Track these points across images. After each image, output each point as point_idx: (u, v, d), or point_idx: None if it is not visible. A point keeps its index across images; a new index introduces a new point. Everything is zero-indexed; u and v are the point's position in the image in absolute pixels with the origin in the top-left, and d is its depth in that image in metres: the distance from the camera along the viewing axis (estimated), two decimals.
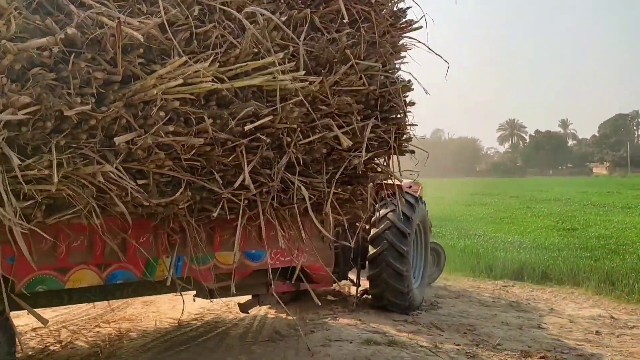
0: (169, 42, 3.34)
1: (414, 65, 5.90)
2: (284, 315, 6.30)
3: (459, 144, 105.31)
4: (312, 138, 4.05)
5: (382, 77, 4.50)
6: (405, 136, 4.89)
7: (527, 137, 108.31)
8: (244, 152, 3.64)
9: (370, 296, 6.84)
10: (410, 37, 4.95)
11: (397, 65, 4.89)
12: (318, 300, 4.76)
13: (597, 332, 6.28)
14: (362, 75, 4.31)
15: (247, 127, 3.58)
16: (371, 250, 6.59)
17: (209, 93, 3.53)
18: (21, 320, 6.10)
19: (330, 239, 4.93)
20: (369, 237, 6.61)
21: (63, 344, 5.42)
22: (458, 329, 6.08)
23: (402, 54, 5.00)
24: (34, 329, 5.83)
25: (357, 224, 6.32)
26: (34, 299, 4.00)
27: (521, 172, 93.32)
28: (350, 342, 5.16)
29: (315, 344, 5.12)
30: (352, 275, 6.98)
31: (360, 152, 4.33)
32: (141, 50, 3.22)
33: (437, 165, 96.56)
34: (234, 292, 4.23)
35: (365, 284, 6.91)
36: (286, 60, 3.76)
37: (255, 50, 3.64)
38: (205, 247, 4.15)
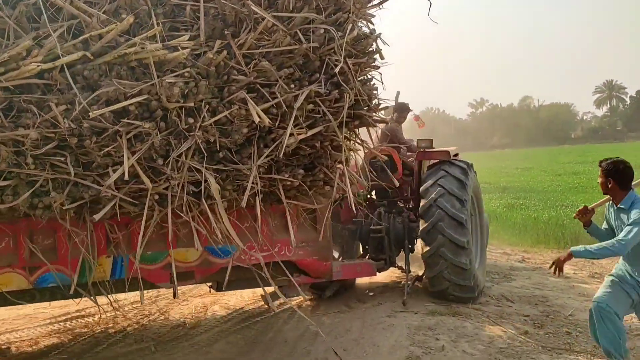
0: (3, 20, 2.97)
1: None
2: (354, 290, 6.55)
3: (551, 110, 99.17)
4: (217, 117, 3.33)
5: (322, 31, 3.63)
6: (373, 103, 4.06)
7: (627, 99, 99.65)
8: (124, 141, 3.13)
9: (421, 283, 6.23)
10: None
11: (354, 14, 3.82)
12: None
13: None
14: (298, 32, 3.57)
15: (92, 114, 2.99)
16: (422, 225, 5.74)
17: (72, 75, 3.08)
18: (120, 296, 6.85)
19: (231, 241, 3.76)
20: (419, 210, 5.82)
21: (156, 315, 6.07)
22: (529, 300, 6.01)
23: None
24: (132, 303, 6.54)
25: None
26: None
27: (622, 137, 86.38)
28: (415, 313, 5.31)
29: (381, 315, 5.33)
30: (400, 262, 6.29)
31: (299, 128, 3.58)
32: None
33: (526, 135, 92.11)
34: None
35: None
36: (160, 25, 3.21)
37: (125, 17, 3.13)
38: (157, 245, 3.77)
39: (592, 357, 4.19)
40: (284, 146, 3.47)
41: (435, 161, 6.12)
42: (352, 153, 4.35)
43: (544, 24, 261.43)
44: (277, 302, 5.07)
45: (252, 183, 3.44)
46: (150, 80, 3.12)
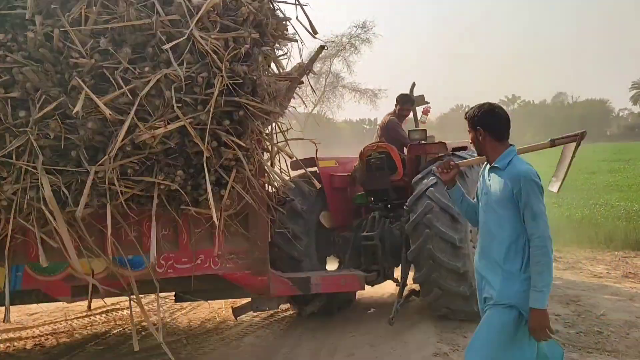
0: None
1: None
2: (381, 292, 6.55)
3: (585, 106, 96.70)
4: (46, 110, 2.86)
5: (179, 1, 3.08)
6: (259, 89, 3.34)
7: None
8: None
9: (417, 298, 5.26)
10: None
11: None
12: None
13: None
14: (156, 2, 3.07)
15: None
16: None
17: None
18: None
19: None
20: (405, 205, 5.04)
21: (187, 309, 6.22)
22: (561, 299, 5.92)
23: None
24: (164, 297, 6.70)
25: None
26: None
27: None
28: None
29: (409, 312, 5.34)
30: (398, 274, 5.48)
31: (160, 120, 3.00)
32: None
33: (560, 132, 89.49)
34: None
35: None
36: None
37: None
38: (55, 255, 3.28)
39: (623, 357, 4.12)
40: (117, 145, 2.90)
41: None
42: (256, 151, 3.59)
43: (579, 17, 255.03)
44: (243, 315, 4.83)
45: (113, 186, 3.01)
46: None
